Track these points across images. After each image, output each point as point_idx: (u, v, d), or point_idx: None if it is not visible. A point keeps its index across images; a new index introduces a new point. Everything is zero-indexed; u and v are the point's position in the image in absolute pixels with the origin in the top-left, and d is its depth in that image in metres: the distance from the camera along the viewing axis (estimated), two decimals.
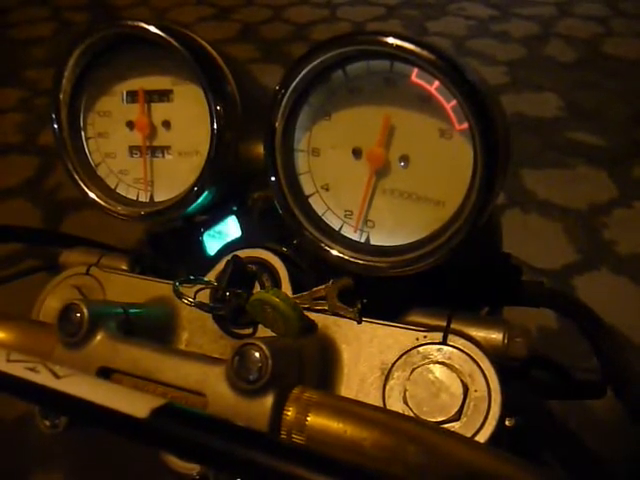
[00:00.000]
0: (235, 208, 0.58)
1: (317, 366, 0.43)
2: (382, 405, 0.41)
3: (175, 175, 0.55)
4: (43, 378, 0.29)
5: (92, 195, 0.56)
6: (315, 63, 0.43)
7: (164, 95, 0.54)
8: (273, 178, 0.47)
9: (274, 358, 0.34)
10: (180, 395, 0.36)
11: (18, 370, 0.29)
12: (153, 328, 0.47)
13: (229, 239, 0.57)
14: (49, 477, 1.38)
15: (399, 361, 0.42)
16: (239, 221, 0.58)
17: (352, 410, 0.34)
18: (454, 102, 0.40)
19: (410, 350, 0.42)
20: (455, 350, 0.41)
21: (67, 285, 0.54)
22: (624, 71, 2.87)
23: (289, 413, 0.34)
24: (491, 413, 0.38)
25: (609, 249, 1.91)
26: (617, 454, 0.55)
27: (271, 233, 0.52)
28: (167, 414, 0.27)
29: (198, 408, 0.35)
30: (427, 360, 0.41)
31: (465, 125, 0.40)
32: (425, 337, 0.42)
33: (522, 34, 3.23)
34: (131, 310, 0.44)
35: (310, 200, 0.48)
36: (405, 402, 0.40)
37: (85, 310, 0.39)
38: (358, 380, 0.43)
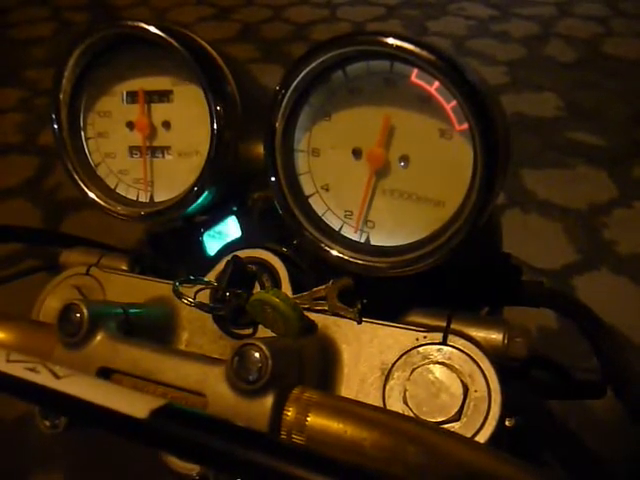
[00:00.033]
0: (235, 208, 0.58)
1: (317, 366, 0.43)
2: (382, 405, 0.41)
3: (175, 175, 0.55)
4: (43, 378, 0.29)
5: (92, 195, 0.56)
6: (315, 63, 0.43)
7: (164, 95, 0.54)
8: (273, 178, 0.47)
9: (274, 358, 0.34)
10: (180, 395, 0.36)
11: (18, 370, 0.29)
12: (153, 328, 0.47)
13: (229, 239, 0.57)
14: (49, 477, 1.38)
15: (399, 361, 0.42)
16: (239, 221, 0.58)
17: (352, 410, 0.34)
18: (454, 102, 0.40)
19: (410, 350, 0.42)
20: (455, 350, 0.41)
21: (67, 285, 0.54)
22: (624, 71, 2.87)
23: (289, 413, 0.34)
24: (491, 413, 0.38)
25: (609, 249, 1.91)
26: (617, 454, 0.55)
27: (271, 233, 0.52)
28: (167, 414, 0.27)
29: (198, 408, 0.35)
30: (427, 360, 0.41)
31: (465, 125, 0.40)
32: (425, 337, 0.42)
33: (522, 34, 3.23)
34: (131, 310, 0.44)
35: (310, 200, 0.48)
36: (405, 402, 0.40)
37: (85, 310, 0.39)
38: (358, 380, 0.43)
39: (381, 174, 0.45)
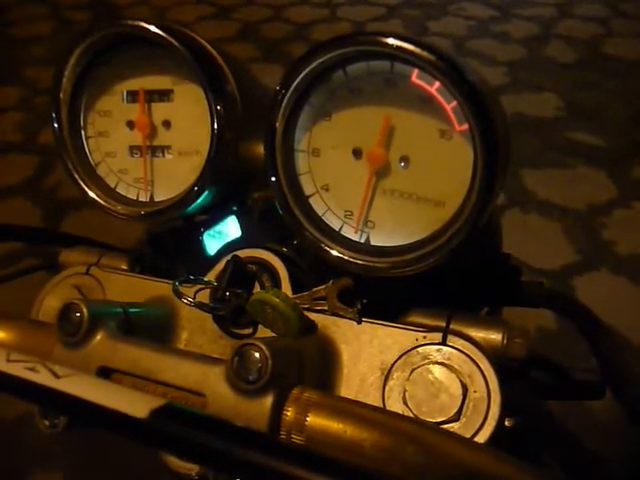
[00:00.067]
0: (235, 208, 0.58)
1: (317, 366, 0.43)
2: (382, 405, 0.41)
3: (175, 175, 0.55)
4: (43, 378, 0.29)
5: (92, 194, 0.56)
6: (315, 63, 0.43)
7: (164, 95, 0.54)
8: (273, 178, 0.47)
9: (274, 358, 0.34)
10: (180, 395, 0.36)
11: (18, 370, 0.29)
12: (153, 328, 0.47)
13: (229, 239, 0.57)
14: (49, 477, 1.38)
15: (399, 361, 0.42)
16: (239, 221, 0.58)
17: (352, 410, 0.34)
18: (454, 103, 0.40)
19: (410, 350, 0.42)
20: (454, 351, 0.41)
21: (67, 285, 0.54)
22: (624, 71, 2.87)
23: (289, 413, 0.34)
24: (490, 414, 0.38)
25: (608, 249, 1.91)
26: (616, 454, 0.55)
27: (271, 233, 0.52)
28: (166, 414, 0.27)
29: (198, 408, 0.35)
30: (427, 360, 0.41)
31: (465, 126, 0.40)
32: (425, 337, 0.42)
33: (522, 35, 3.23)
34: (131, 310, 0.44)
35: (310, 200, 0.48)
36: (405, 402, 0.40)
37: (85, 310, 0.39)
38: (358, 380, 0.43)
39: (381, 174, 0.45)
